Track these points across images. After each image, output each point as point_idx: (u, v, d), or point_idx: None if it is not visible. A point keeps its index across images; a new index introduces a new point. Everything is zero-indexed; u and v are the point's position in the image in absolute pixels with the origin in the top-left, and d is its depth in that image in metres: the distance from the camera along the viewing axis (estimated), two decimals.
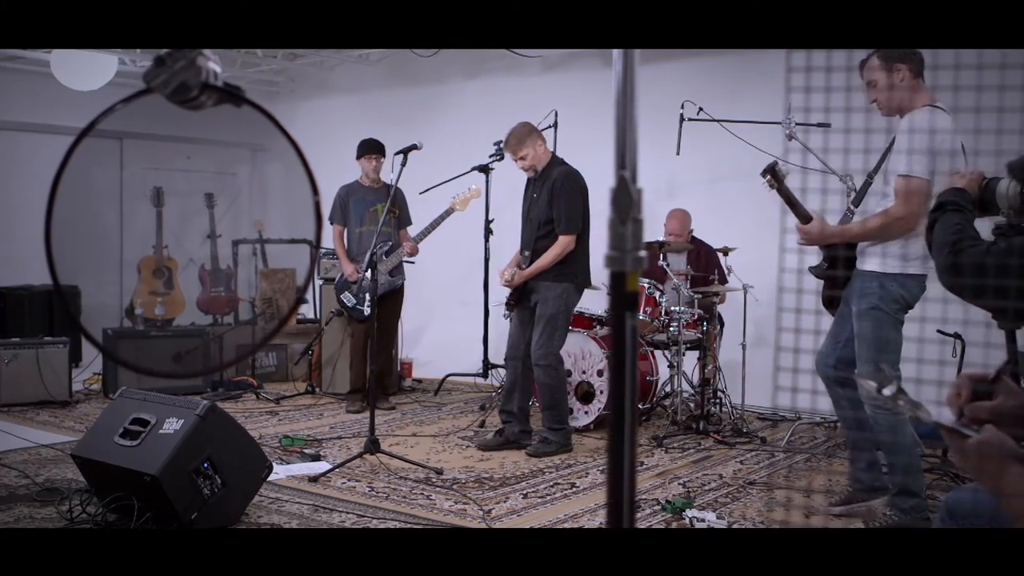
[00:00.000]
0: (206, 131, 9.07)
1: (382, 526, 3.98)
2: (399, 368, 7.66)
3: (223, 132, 9.31)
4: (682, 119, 6.04)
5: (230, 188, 9.59)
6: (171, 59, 1.13)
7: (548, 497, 4.56)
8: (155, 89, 1.15)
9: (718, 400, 6.30)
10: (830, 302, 4.16)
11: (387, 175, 6.58)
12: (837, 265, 4.12)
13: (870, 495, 4.09)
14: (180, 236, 8.47)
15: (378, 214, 6.47)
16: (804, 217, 4.04)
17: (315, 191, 1.24)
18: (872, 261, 3.89)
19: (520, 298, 5.52)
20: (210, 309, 8.39)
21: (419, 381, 7.97)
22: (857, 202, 4.15)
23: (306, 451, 5.34)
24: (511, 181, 6.90)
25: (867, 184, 4.13)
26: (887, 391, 1.47)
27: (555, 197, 5.31)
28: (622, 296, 1.03)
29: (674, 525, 4.08)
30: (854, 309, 3.96)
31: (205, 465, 3.84)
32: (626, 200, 0.99)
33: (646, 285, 6.10)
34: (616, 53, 1.04)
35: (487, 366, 7.47)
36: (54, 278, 1.20)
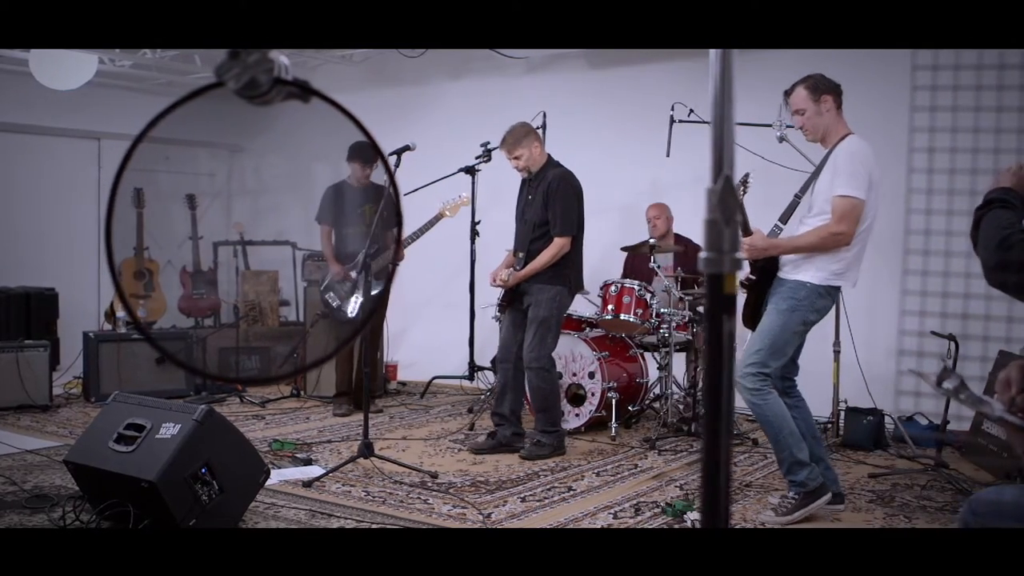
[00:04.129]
0: (184, 132, 8.94)
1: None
2: (384, 371, 7.60)
3: (201, 132, 9.20)
4: (672, 120, 6.03)
5: (209, 189, 9.48)
6: (245, 53, 1.09)
7: (546, 500, 4.53)
8: (226, 83, 1.10)
9: None
10: (752, 318, 4.33)
11: (377, 176, 6.54)
12: (763, 277, 4.30)
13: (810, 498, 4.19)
14: (159, 238, 8.35)
15: (366, 215, 6.42)
16: (747, 230, 4.23)
17: (394, 186, 1.20)
18: (805, 273, 4.12)
19: (512, 300, 5.48)
20: (191, 312, 8.28)
21: (404, 384, 7.92)
22: (784, 219, 4.29)
23: (297, 455, 5.28)
24: (497, 183, 6.87)
25: (795, 202, 4.29)
26: (947, 384, 1.45)
27: (550, 199, 5.29)
28: (719, 299, 1.00)
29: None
30: (770, 307, 4.19)
31: (203, 471, 3.77)
32: (732, 200, 0.96)
33: (636, 287, 6.08)
34: (713, 53, 1.01)
35: (473, 368, 7.42)
36: (115, 281, 1.15)
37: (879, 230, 6.20)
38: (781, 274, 4.21)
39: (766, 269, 4.26)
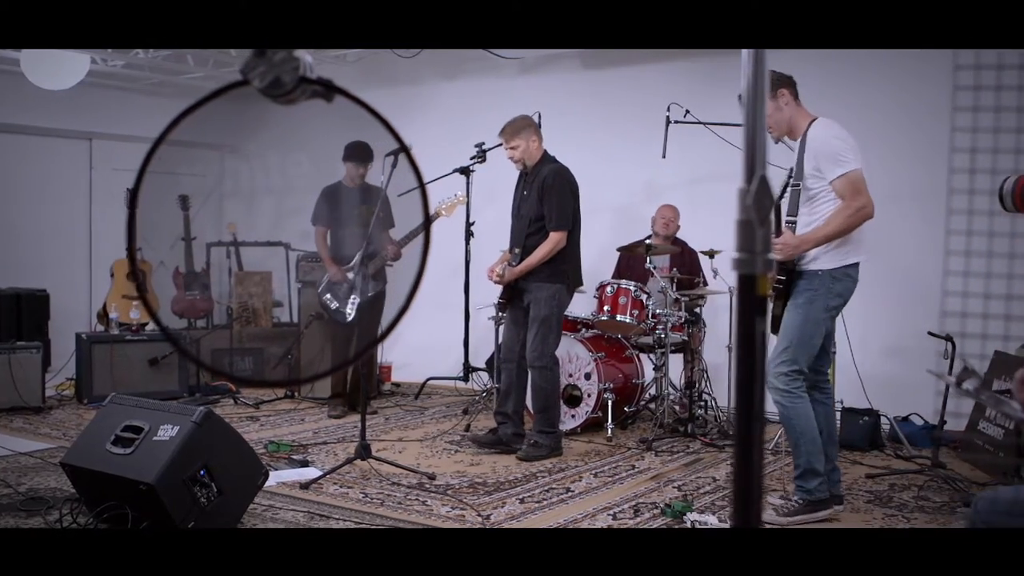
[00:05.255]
0: (176, 132, 8.88)
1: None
2: (378, 372, 7.58)
3: (193, 133, 9.15)
4: (668, 121, 6.02)
5: (201, 189, 9.42)
6: (271, 52, 1.08)
7: (545, 501, 4.52)
8: (251, 81, 1.09)
9: (703, 403, 6.30)
10: (777, 321, 4.28)
11: (373, 177, 6.52)
12: (789, 277, 4.22)
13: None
14: (152, 239, 8.30)
15: (362, 216, 6.39)
16: (779, 230, 4.19)
17: (421, 184, 1.19)
18: (815, 262, 4.09)
19: (512, 298, 5.48)
20: (184, 313, 8.23)
21: (397, 385, 7.90)
22: (793, 211, 4.21)
23: (294, 457, 5.26)
24: (492, 183, 6.85)
25: (796, 192, 4.21)
26: (967, 385, 1.44)
27: (546, 194, 5.30)
28: (751, 300, 0.99)
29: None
30: (789, 304, 4.15)
31: (201, 473, 3.75)
32: (768, 200, 0.95)
33: (632, 288, 6.08)
34: (746, 53, 1.01)
35: (468, 370, 7.40)
36: (138, 284, 1.14)
37: (917, 230, 6.20)
38: (796, 269, 4.17)
39: (788, 268, 4.21)
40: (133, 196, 1.15)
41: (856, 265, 4.15)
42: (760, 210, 0.96)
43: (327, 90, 1.13)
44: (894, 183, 6.17)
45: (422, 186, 1.16)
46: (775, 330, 4.34)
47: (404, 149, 1.18)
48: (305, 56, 1.10)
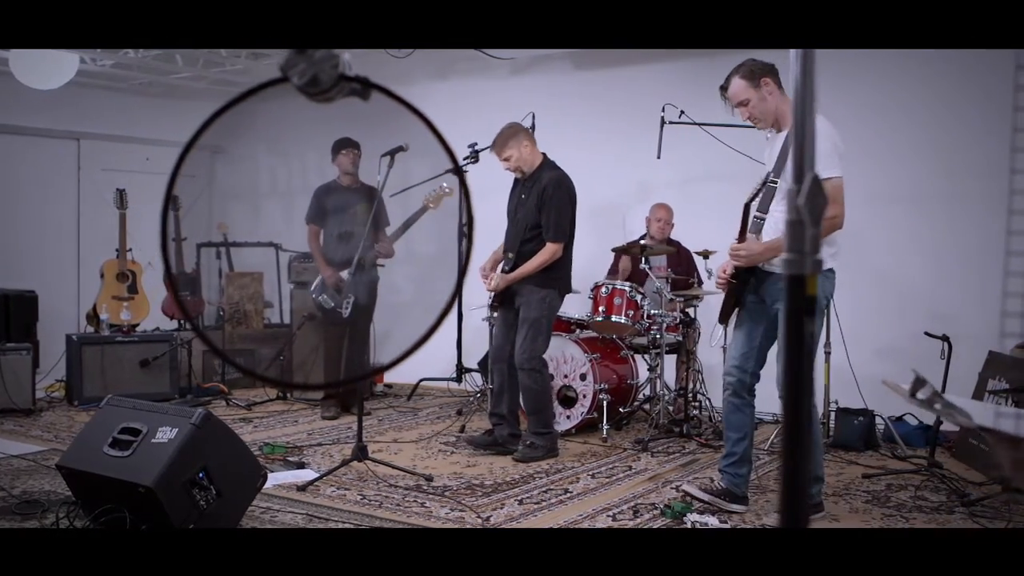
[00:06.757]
0: (164, 132, 8.85)
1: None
2: None
3: (181, 133, 9.10)
4: (663, 122, 6.01)
5: (190, 190, 9.37)
6: (311, 50, 1.07)
7: (543, 503, 4.51)
8: (290, 79, 1.08)
9: (698, 403, 6.30)
10: (728, 314, 4.26)
11: (369, 176, 6.50)
12: (745, 276, 4.15)
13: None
14: (141, 239, 8.24)
15: (357, 216, 6.37)
16: (742, 235, 4.12)
17: (460, 176, 1.18)
18: None
19: (504, 300, 5.46)
20: (175, 314, 8.18)
21: (390, 386, 7.87)
22: (764, 208, 4.08)
23: (289, 459, 5.23)
24: (484, 184, 6.82)
25: (772, 189, 4.07)
26: (921, 395, 1.42)
27: (545, 203, 5.26)
28: (800, 300, 0.98)
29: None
30: (781, 308, 4.01)
31: (200, 475, 3.72)
32: (821, 201, 0.94)
33: (627, 289, 6.07)
34: (794, 53, 1.00)
35: (460, 371, 7.38)
36: (174, 288, 1.12)
37: (971, 231, 6.19)
38: (779, 271, 4.11)
39: (747, 268, 4.13)
40: (167, 199, 1.13)
41: (832, 269, 4.09)
42: (813, 210, 0.95)
43: (364, 88, 1.12)
44: (955, 184, 6.19)
45: (459, 170, 1.14)
46: (724, 320, 4.34)
47: (446, 147, 1.16)
48: (344, 54, 1.09)
